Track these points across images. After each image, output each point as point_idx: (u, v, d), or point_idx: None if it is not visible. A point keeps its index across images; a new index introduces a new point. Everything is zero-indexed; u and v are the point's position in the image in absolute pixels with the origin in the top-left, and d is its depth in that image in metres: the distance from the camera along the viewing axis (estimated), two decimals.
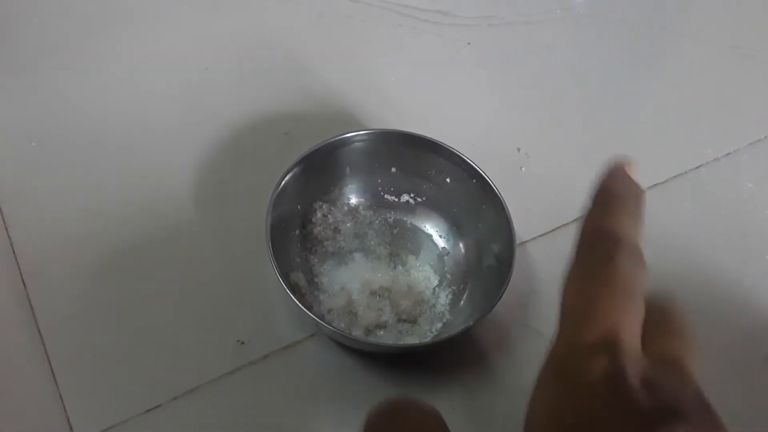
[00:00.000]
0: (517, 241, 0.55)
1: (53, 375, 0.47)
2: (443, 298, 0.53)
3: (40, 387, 0.47)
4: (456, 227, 0.55)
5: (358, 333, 0.50)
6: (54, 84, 0.62)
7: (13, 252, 0.52)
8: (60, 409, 0.46)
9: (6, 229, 0.53)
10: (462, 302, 0.53)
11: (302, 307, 0.46)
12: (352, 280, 0.53)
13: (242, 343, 0.50)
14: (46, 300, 0.50)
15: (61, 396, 0.47)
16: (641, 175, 0.61)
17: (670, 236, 0.60)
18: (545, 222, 0.59)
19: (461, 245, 0.55)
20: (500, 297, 0.48)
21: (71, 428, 0.46)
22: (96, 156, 0.58)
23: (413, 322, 0.52)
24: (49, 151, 0.58)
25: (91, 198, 0.56)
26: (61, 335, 0.49)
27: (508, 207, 0.51)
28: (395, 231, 0.56)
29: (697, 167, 0.65)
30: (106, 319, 0.50)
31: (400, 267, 0.54)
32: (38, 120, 0.60)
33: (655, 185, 0.63)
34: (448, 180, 0.55)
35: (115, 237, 0.54)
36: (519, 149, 0.63)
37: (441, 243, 0.56)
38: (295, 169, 0.51)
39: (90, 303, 0.51)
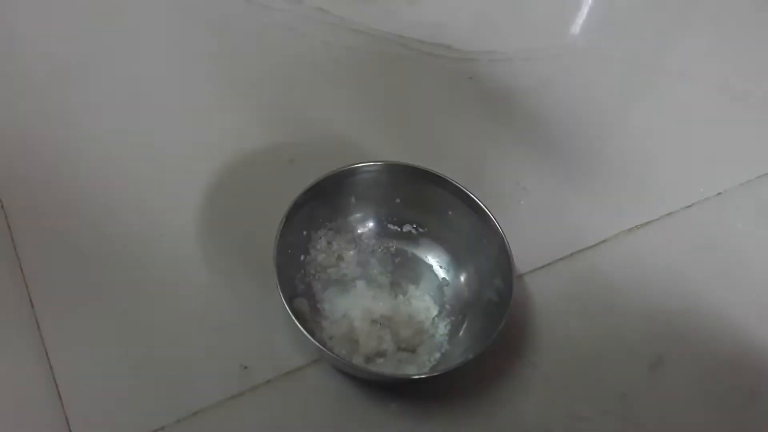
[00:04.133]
0: (516, 274, 0.57)
1: (59, 396, 0.48)
2: (442, 328, 0.54)
3: (46, 408, 0.48)
4: (456, 259, 0.57)
5: (358, 360, 0.51)
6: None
7: (22, 271, 0.53)
8: (65, 430, 0.47)
9: (13, 243, 0.54)
10: (461, 333, 0.54)
11: (307, 335, 0.47)
12: (354, 307, 0.54)
13: (246, 367, 0.51)
14: (53, 321, 0.51)
15: (66, 417, 0.47)
16: (633, 212, 0.64)
17: (662, 272, 0.62)
18: (542, 255, 0.61)
19: (461, 276, 0.56)
20: (499, 332, 0.49)
21: None
22: (104, 177, 0.59)
23: (412, 351, 0.53)
24: (58, 168, 0.59)
25: (99, 217, 0.57)
26: (67, 357, 0.50)
27: (508, 240, 0.53)
28: (397, 260, 0.57)
29: (688, 206, 0.67)
30: (110, 341, 0.51)
31: (401, 296, 0.56)
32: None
33: (648, 222, 0.65)
34: (450, 212, 0.56)
35: (122, 259, 0.55)
36: (518, 183, 0.65)
37: (441, 273, 0.57)
38: (303, 197, 0.53)
39: (96, 325, 0.52)
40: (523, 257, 0.59)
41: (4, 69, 0.65)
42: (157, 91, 0.66)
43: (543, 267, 0.60)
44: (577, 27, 0.84)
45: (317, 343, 0.47)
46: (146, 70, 0.68)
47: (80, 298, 0.53)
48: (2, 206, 0.56)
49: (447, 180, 0.55)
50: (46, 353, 0.50)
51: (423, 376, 0.51)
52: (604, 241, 0.63)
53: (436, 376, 0.49)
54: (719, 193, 0.68)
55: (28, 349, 0.50)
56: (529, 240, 0.60)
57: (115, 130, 0.63)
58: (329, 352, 0.48)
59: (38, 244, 0.55)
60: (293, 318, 0.47)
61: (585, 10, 0.86)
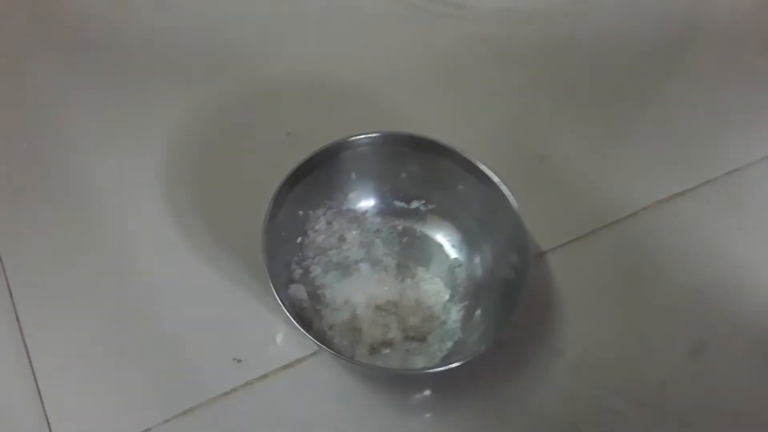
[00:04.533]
0: (535, 252, 0.52)
1: (39, 395, 0.45)
2: (455, 314, 0.49)
3: (25, 406, 0.44)
4: (469, 237, 0.52)
5: (362, 351, 0.47)
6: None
7: (2, 265, 0.50)
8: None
9: None
10: (475, 318, 0.49)
11: (299, 327, 0.43)
12: (356, 293, 0.50)
13: (239, 361, 0.47)
14: (33, 314, 0.48)
15: (47, 418, 0.44)
16: (669, 180, 0.58)
17: (701, 245, 0.55)
18: (566, 230, 0.55)
19: (474, 256, 0.51)
20: (516, 314, 0.45)
21: None
22: (83, 155, 0.56)
23: (422, 339, 0.48)
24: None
25: (80, 202, 0.53)
26: (48, 353, 0.46)
27: (525, 215, 0.48)
28: (404, 240, 0.53)
29: (729, 172, 0.60)
30: (93, 336, 0.48)
31: (409, 279, 0.51)
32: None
33: (685, 191, 0.58)
34: (460, 187, 0.51)
35: (106, 247, 0.51)
36: (537, 152, 0.59)
37: (453, 253, 0.52)
38: (296, 174, 0.48)
39: (78, 319, 0.48)
40: (544, 233, 0.54)
41: None
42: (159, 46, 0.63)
43: (567, 243, 0.54)
44: None
45: (313, 338, 0.43)
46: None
47: (63, 291, 0.49)
48: None
49: (455, 151, 0.50)
50: (27, 350, 0.46)
51: (432, 371, 0.46)
52: (635, 213, 0.56)
53: (448, 369, 0.44)
54: (764, 157, 0.61)
55: (8, 345, 0.46)
56: (550, 214, 0.55)
57: None
58: (328, 349, 0.43)
59: (20, 249, 0.51)
60: (285, 309, 0.43)
61: None
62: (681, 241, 0.56)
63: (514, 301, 0.45)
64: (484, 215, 0.50)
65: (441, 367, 0.45)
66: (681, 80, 0.68)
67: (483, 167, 0.49)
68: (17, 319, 0.48)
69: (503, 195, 0.48)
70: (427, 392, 0.47)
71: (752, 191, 0.59)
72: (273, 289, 0.44)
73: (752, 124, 0.64)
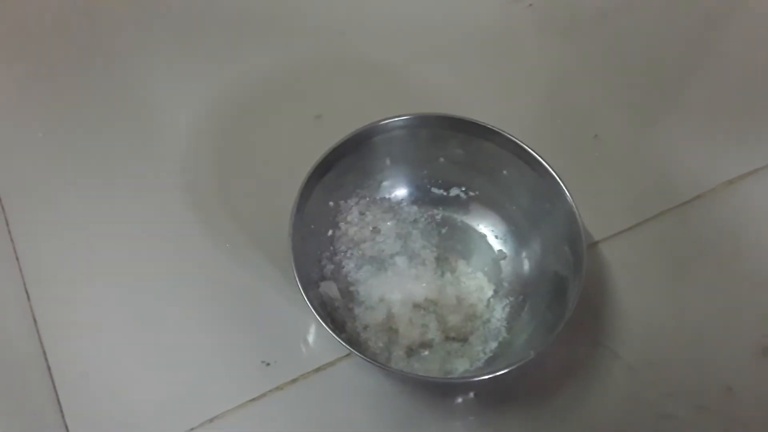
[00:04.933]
0: (588, 242, 0.48)
1: (58, 401, 0.43)
2: (499, 312, 0.46)
3: (45, 414, 0.42)
4: (515, 227, 0.48)
5: (399, 353, 0.44)
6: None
7: (18, 262, 0.48)
8: None
9: (12, 240, 0.49)
10: (522, 316, 0.46)
11: (330, 330, 0.40)
12: (392, 290, 0.46)
13: (268, 364, 0.45)
14: (52, 316, 0.46)
15: (66, 425, 0.42)
16: (735, 159, 0.53)
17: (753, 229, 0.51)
18: (622, 218, 0.51)
19: (521, 248, 0.48)
20: (570, 313, 0.41)
21: None
22: (114, 139, 0.53)
23: (463, 340, 0.45)
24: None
25: (104, 197, 0.51)
26: (68, 358, 0.44)
27: (578, 201, 0.44)
28: (443, 231, 0.49)
29: None
30: (116, 339, 0.45)
31: (449, 274, 0.48)
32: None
33: (753, 171, 0.53)
34: (505, 172, 0.47)
35: (130, 245, 0.49)
36: (590, 131, 0.55)
37: (497, 245, 0.48)
38: (325, 161, 0.45)
39: (100, 321, 0.46)
40: (597, 222, 0.49)
41: None
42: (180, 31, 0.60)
43: (622, 232, 0.50)
44: None
45: (344, 344, 0.40)
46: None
47: (84, 291, 0.47)
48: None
49: (500, 132, 0.46)
50: (44, 351, 0.44)
51: (475, 379, 0.43)
52: (699, 196, 0.52)
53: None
54: None
55: (30, 354, 0.44)
56: (604, 200, 0.51)
57: None
58: (360, 354, 0.40)
59: (33, 234, 0.49)
60: (315, 314, 0.40)
61: None
62: (751, 227, 0.51)
63: (566, 298, 0.42)
64: (532, 203, 0.47)
65: (485, 375, 0.42)
66: (745, 48, 0.61)
67: (531, 150, 0.45)
68: (34, 319, 0.45)
69: (554, 180, 0.44)
70: (470, 395, 0.44)
71: None
72: (301, 289, 0.40)
73: None
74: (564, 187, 0.44)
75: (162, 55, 0.58)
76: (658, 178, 0.53)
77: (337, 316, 0.45)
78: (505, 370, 0.39)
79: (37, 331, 0.45)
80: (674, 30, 0.62)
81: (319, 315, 0.40)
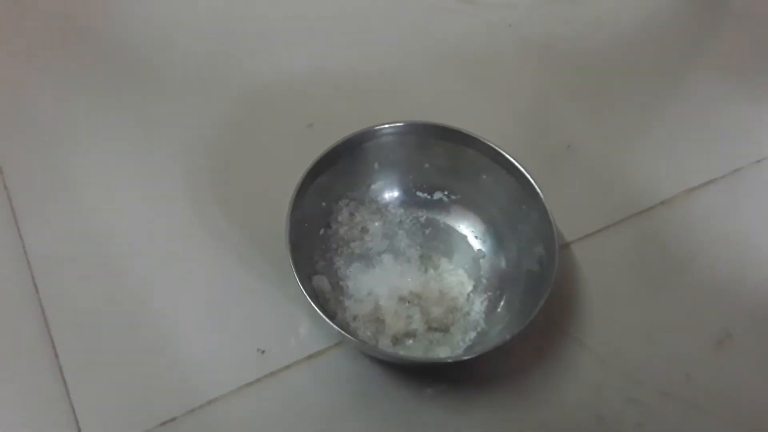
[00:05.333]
0: (561, 242, 0.52)
1: (65, 385, 0.45)
2: (478, 305, 0.49)
3: (52, 396, 0.45)
4: (493, 227, 0.52)
5: (385, 342, 0.47)
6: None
7: (26, 255, 0.50)
8: (72, 421, 0.44)
9: (20, 234, 0.51)
10: (498, 309, 0.49)
11: (323, 316, 0.43)
12: (379, 284, 0.50)
13: (263, 352, 0.47)
14: (59, 305, 0.48)
15: (73, 408, 0.45)
16: (697, 168, 0.57)
17: (730, 236, 0.55)
18: (592, 221, 0.55)
19: (498, 247, 0.51)
20: (541, 305, 0.44)
21: None
22: (112, 138, 0.56)
23: (445, 330, 0.48)
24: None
25: (104, 194, 0.54)
26: (74, 343, 0.47)
27: (551, 205, 0.47)
28: (427, 231, 0.52)
29: (758, 160, 0.59)
30: (119, 327, 0.48)
31: (432, 270, 0.51)
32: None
33: (711, 181, 0.57)
34: (484, 176, 0.51)
35: (131, 238, 0.52)
36: (563, 140, 0.59)
37: (476, 245, 0.52)
38: (318, 166, 0.48)
39: (104, 310, 0.49)
40: (569, 224, 0.53)
41: None
42: (175, 35, 0.63)
43: (593, 234, 0.54)
44: None
45: (337, 327, 0.43)
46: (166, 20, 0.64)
47: (86, 280, 0.50)
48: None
49: (480, 140, 0.49)
50: (51, 338, 0.47)
51: (456, 359, 0.46)
52: (663, 202, 0.56)
53: (471, 358, 0.44)
54: None
55: (32, 333, 0.47)
56: (576, 204, 0.55)
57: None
58: (351, 337, 0.43)
59: (41, 231, 0.52)
60: (308, 299, 0.43)
61: None
62: (709, 231, 0.55)
63: (538, 293, 0.45)
64: (509, 206, 0.50)
65: (464, 356, 0.45)
66: (708, 67, 0.66)
67: (509, 156, 0.49)
68: (42, 311, 0.48)
69: (529, 185, 0.48)
70: (452, 382, 0.47)
71: None
72: (297, 279, 0.44)
73: None
74: (539, 192, 0.48)
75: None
76: (626, 186, 0.57)
77: (328, 308, 0.48)
78: (484, 351, 0.43)
79: (45, 318, 0.48)
80: (640, 50, 0.66)
81: (315, 306, 0.43)
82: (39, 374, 0.46)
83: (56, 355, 0.46)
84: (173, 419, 0.45)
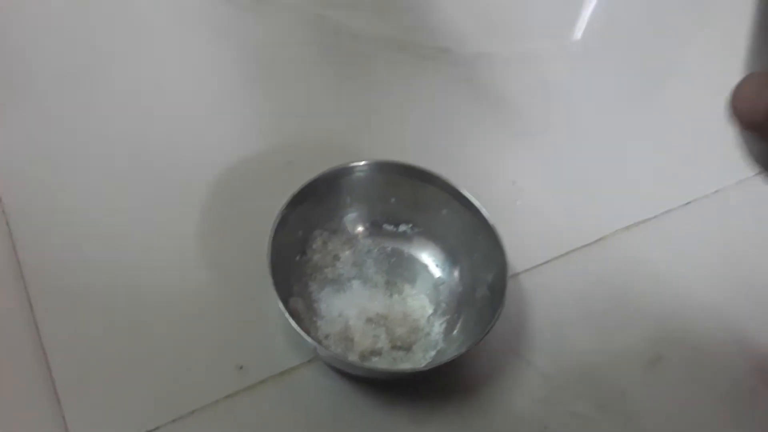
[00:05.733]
0: (511, 272, 0.57)
1: (56, 394, 0.48)
2: (437, 327, 0.54)
3: (43, 406, 0.48)
4: (451, 257, 0.57)
5: (353, 359, 0.52)
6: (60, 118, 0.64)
7: (21, 271, 0.54)
8: (62, 429, 0.47)
9: (14, 249, 0.55)
10: (455, 331, 0.54)
11: (300, 331, 0.47)
12: (349, 306, 0.54)
13: (241, 367, 0.51)
14: (50, 319, 0.52)
15: (63, 416, 0.48)
16: (631, 210, 0.64)
17: (658, 272, 0.61)
18: (539, 254, 0.61)
19: (456, 275, 0.56)
20: (492, 326, 0.49)
21: None
22: (100, 179, 0.60)
23: (408, 349, 0.53)
24: (59, 173, 0.60)
25: (96, 219, 0.58)
26: (65, 356, 0.50)
27: (503, 238, 0.53)
28: (393, 260, 0.58)
29: (686, 203, 0.66)
30: (107, 340, 0.52)
31: (397, 295, 0.56)
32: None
33: (645, 221, 0.65)
34: (444, 211, 0.56)
35: (118, 261, 0.56)
36: (514, 182, 0.65)
37: (437, 272, 0.57)
38: (296, 198, 0.53)
39: (92, 324, 0.52)
40: (519, 256, 0.59)
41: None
42: (154, 96, 0.67)
43: (539, 265, 0.60)
44: (576, 30, 0.84)
45: (313, 341, 0.47)
46: (144, 75, 0.68)
47: (77, 299, 0.53)
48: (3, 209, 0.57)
49: (440, 178, 0.55)
50: (44, 352, 0.50)
51: (419, 369, 0.51)
52: (601, 239, 0.63)
53: (432, 372, 0.49)
54: (717, 191, 0.67)
55: (26, 347, 0.50)
56: (525, 239, 0.60)
57: (111, 135, 0.63)
58: (325, 349, 0.48)
59: (38, 251, 0.55)
60: (287, 316, 0.48)
61: (585, 14, 0.86)
62: (641, 265, 0.62)
63: (491, 316, 0.50)
64: (466, 238, 0.56)
65: (425, 368, 0.50)
66: (642, 116, 0.74)
67: (466, 193, 0.54)
68: (35, 324, 0.51)
69: (483, 219, 0.54)
70: (415, 395, 0.52)
71: (702, 223, 0.66)
72: (277, 298, 0.48)
73: (707, 158, 0.70)
74: (492, 225, 0.53)
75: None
76: (568, 222, 0.63)
77: (302, 327, 0.52)
78: (442, 363, 0.48)
79: (38, 333, 0.51)
80: (585, 105, 0.74)
81: (293, 323, 0.47)
82: (31, 385, 0.49)
83: (48, 367, 0.49)
84: (157, 428, 0.48)
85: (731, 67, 0.77)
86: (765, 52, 0.33)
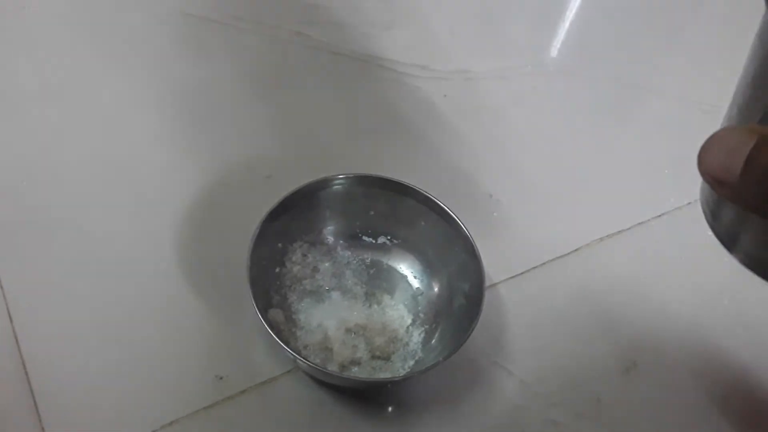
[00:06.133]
0: (489, 283, 0.58)
1: (35, 405, 0.49)
2: (416, 337, 0.55)
3: (22, 417, 0.48)
4: (429, 268, 0.58)
5: (333, 368, 0.52)
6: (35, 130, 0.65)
7: (1, 287, 0.54)
8: None
9: None
10: (434, 341, 0.55)
11: (280, 341, 0.48)
12: (328, 317, 0.55)
13: (221, 378, 0.52)
14: (30, 329, 0.52)
15: (42, 428, 0.48)
16: (605, 222, 0.65)
17: (632, 282, 0.63)
18: (516, 264, 0.62)
19: (434, 285, 0.57)
20: (469, 335, 0.50)
21: None
22: (75, 200, 0.61)
23: (387, 359, 0.54)
24: (36, 189, 0.60)
25: (71, 231, 0.58)
26: (43, 367, 0.50)
27: (480, 250, 0.54)
28: (372, 271, 0.58)
29: (659, 215, 0.68)
30: (86, 352, 0.52)
31: (376, 306, 0.56)
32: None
33: (619, 232, 0.66)
34: (422, 222, 0.57)
35: (97, 271, 0.56)
36: (491, 195, 0.67)
37: (415, 283, 0.58)
38: (276, 210, 0.54)
39: (71, 335, 0.52)
40: (496, 267, 0.60)
41: None
42: (129, 112, 0.68)
43: (516, 276, 0.61)
44: (550, 48, 0.86)
45: (291, 352, 0.48)
46: (118, 92, 0.69)
47: (56, 310, 0.53)
48: None
49: (418, 190, 0.56)
50: (24, 366, 0.50)
51: (398, 377, 0.52)
52: (576, 250, 0.64)
53: (411, 381, 0.50)
54: (689, 203, 0.69)
55: (5, 358, 0.50)
56: (501, 250, 0.62)
57: (85, 153, 0.64)
58: (304, 360, 0.48)
59: (14, 261, 0.56)
60: (267, 327, 0.48)
61: (559, 32, 0.88)
62: (616, 276, 0.63)
63: (468, 326, 0.51)
64: (444, 249, 0.56)
65: (404, 376, 0.51)
66: (616, 130, 0.76)
67: (443, 205, 0.55)
68: (14, 334, 0.52)
69: (461, 230, 0.54)
70: (395, 405, 0.52)
71: (675, 235, 0.67)
72: (256, 309, 0.49)
73: (679, 171, 0.72)
74: (469, 236, 0.54)
75: None
76: (544, 233, 0.64)
77: (282, 338, 0.52)
78: (421, 371, 0.49)
79: (17, 345, 0.51)
80: (559, 119, 0.76)
81: (272, 333, 0.48)
82: (8, 395, 0.49)
83: (27, 378, 0.50)
84: None
85: (702, 85, 0.81)
86: (753, 108, 0.30)
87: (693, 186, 0.69)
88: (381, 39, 0.80)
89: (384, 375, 0.53)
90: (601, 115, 0.78)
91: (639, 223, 0.67)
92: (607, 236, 0.65)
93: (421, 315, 0.56)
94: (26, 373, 0.50)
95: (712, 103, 0.79)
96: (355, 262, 0.59)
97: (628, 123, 0.79)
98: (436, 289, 0.57)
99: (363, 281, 0.58)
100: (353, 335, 0.54)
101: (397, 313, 0.56)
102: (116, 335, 0.53)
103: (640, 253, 0.65)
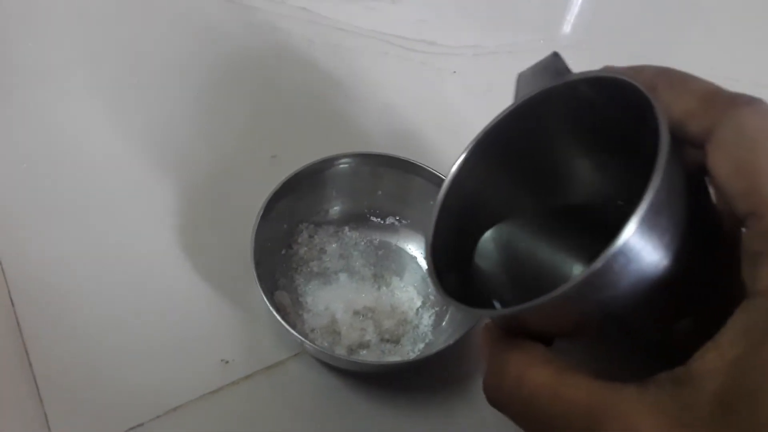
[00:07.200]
0: None
1: (38, 391, 0.48)
2: (426, 319, 0.54)
3: (24, 403, 0.47)
4: None
5: (341, 352, 0.51)
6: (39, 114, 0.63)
7: (2, 271, 0.53)
8: (44, 426, 0.46)
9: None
10: (444, 323, 0.53)
11: (286, 325, 0.46)
12: (336, 300, 0.54)
13: (227, 362, 0.51)
14: (32, 315, 0.51)
15: (45, 414, 0.47)
16: None
17: None
18: None
19: None
20: (481, 317, 0.49)
21: None
22: (79, 176, 0.60)
23: (396, 342, 0.52)
24: (37, 173, 0.59)
25: (73, 214, 0.57)
26: (46, 352, 0.50)
27: None
28: (380, 252, 0.57)
29: None
30: (89, 336, 0.51)
31: (384, 288, 0.55)
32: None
33: None
34: (431, 202, 0.55)
35: (99, 255, 0.55)
36: None
37: (425, 265, 0.56)
38: (280, 191, 0.52)
39: (74, 320, 0.51)
40: None
41: None
42: (131, 93, 0.66)
43: None
44: (563, 23, 0.84)
45: (298, 335, 0.47)
46: (119, 73, 0.68)
47: (59, 295, 0.52)
48: None
49: (426, 168, 0.54)
50: (26, 350, 0.49)
51: (407, 361, 0.50)
52: None
53: (420, 364, 0.49)
54: None
55: (7, 344, 0.49)
56: None
57: (87, 135, 0.63)
58: (311, 344, 0.47)
59: (17, 247, 0.55)
60: (273, 310, 0.47)
61: (572, 6, 0.86)
62: None
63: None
64: None
65: (413, 359, 0.50)
66: None
67: None
68: (17, 322, 0.51)
69: None
70: (403, 389, 0.51)
71: None
72: (261, 292, 0.47)
73: None
74: None
75: None
76: None
77: (288, 321, 0.51)
78: (430, 354, 0.47)
79: (19, 329, 0.50)
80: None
81: (278, 316, 0.47)
82: (11, 380, 0.48)
83: (30, 365, 0.49)
84: (141, 424, 0.47)
85: (720, 59, 0.78)
86: None
87: None
88: (388, 14, 0.78)
89: (393, 358, 0.52)
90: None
91: None
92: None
93: (431, 297, 0.55)
94: (28, 358, 0.49)
95: (729, 77, 0.77)
96: (362, 243, 0.57)
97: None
98: None
99: (371, 263, 0.56)
100: (361, 318, 0.53)
101: (407, 295, 0.55)
102: (120, 319, 0.52)
103: None
